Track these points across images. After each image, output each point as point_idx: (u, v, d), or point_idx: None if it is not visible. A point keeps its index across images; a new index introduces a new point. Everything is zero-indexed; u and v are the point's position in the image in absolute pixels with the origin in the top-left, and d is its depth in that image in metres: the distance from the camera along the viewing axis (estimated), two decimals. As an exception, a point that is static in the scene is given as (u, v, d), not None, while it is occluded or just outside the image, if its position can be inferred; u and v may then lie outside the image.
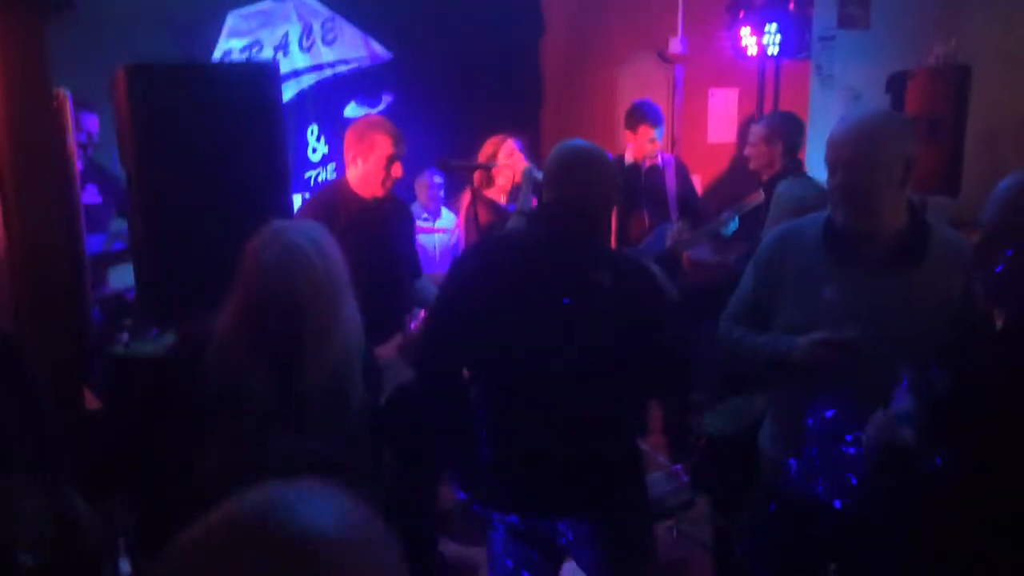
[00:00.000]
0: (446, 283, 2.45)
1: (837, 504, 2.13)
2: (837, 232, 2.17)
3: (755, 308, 2.30)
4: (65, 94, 2.61)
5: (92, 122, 3.73)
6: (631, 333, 2.17)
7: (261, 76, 2.32)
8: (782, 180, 3.54)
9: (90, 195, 3.63)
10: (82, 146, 3.56)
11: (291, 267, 1.87)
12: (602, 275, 2.18)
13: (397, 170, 3.25)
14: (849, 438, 2.04)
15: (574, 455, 2.22)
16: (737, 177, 5.61)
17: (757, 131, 4.15)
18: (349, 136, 3.27)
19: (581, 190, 2.30)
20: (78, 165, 3.07)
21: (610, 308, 2.18)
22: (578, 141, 2.49)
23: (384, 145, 3.20)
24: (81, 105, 3.33)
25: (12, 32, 1.88)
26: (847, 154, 2.09)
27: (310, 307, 1.87)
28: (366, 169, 3.23)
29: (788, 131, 4.12)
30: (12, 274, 2.34)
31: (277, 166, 2.34)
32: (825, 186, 2.39)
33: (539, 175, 4.28)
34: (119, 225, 3.72)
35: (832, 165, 2.14)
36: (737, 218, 4.42)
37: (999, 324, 1.71)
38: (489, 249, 2.56)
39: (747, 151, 4.26)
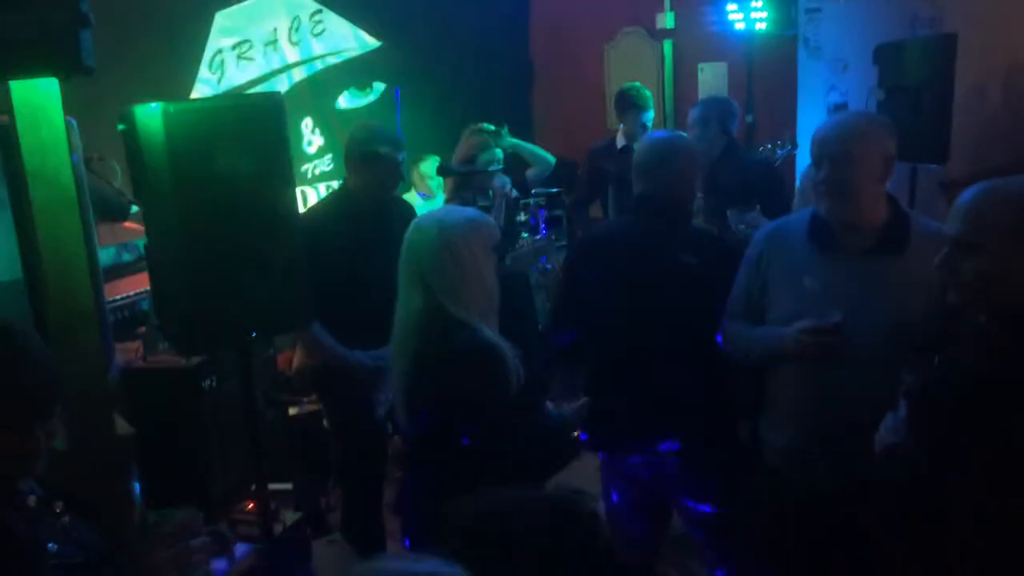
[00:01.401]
0: (563, 271, 3.23)
1: (841, 488, 2.24)
2: (822, 224, 2.30)
3: (749, 305, 2.43)
4: (70, 121, 2.67)
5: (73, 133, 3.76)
6: (714, 302, 2.53)
7: (267, 107, 2.39)
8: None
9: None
10: (87, 161, 3.61)
11: None
12: (690, 257, 2.60)
13: (400, 177, 3.34)
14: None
15: (670, 400, 2.60)
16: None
17: (693, 114, 4.14)
18: (352, 146, 3.31)
19: (669, 180, 2.68)
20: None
21: (697, 284, 2.56)
22: (661, 134, 3.03)
23: (388, 157, 3.26)
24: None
25: (30, 87, 1.94)
26: (831, 150, 2.24)
27: None
28: (369, 178, 3.29)
29: (720, 112, 4.11)
30: (35, 298, 2.42)
31: (287, 193, 2.42)
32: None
33: (513, 192, 4.36)
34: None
35: (817, 159, 2.28)
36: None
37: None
38: (596, 240, 3.05)
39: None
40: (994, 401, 1.63)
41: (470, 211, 2.46)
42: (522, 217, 4.80)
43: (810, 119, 5.18)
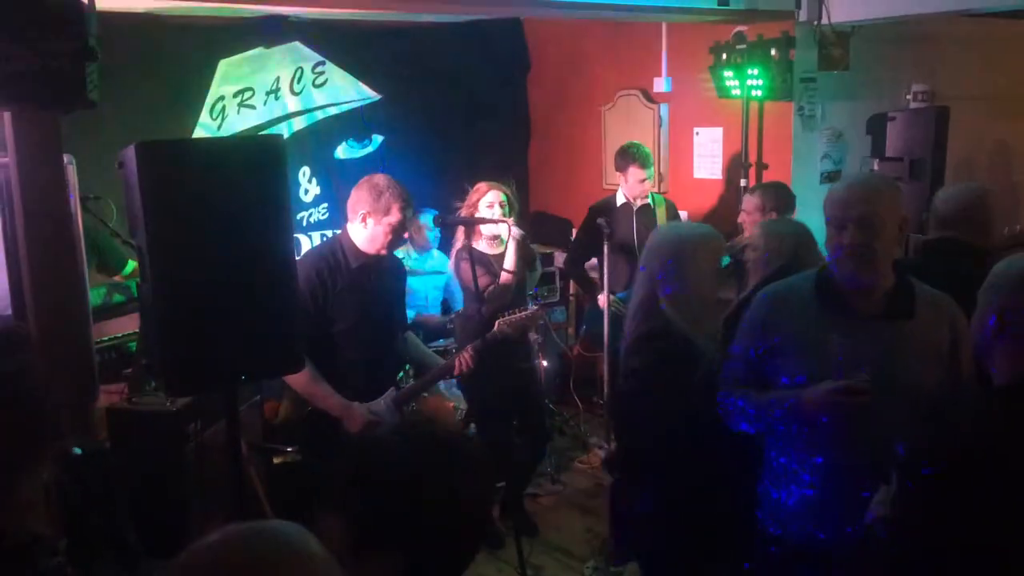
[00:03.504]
0: None
1: (837, 547, 2.21)
2: (834, 288, 2.26)
3: (751, 370, 2.37)
4: (69, 160, 2.67)
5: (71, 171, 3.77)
6: None
7: (267, 149, 2.39)
8: None
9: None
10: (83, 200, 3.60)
11: None
12: None
13: (403, 236, 3.35)
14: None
15: None
16: (722, 212, 5.72)
17: (751, 201, 4.09)
18: (362, 195, 3.27)
19: None
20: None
21: None
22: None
23: (397, 212, 3.24)
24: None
25: (30, 122, 1.94)
26: (857, 212, 2.17)
27: None
28: (374, 231, 3.27)
29: (779, 203, 4.08)
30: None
31: (284, 237, 2.40)
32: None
33: (530, 246, 4.37)
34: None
35: (840, 222, 2.20)
36: (727, 257, 4.51)
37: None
38: None
39: (741, 218, 4.15)
40: (978, 470, 1.61)
41: (706, 227, 2.74)
42: (538, 267, 4.76)
43: (804, 185, 5.23)
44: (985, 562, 1.60)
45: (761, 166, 5.40)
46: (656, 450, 2.65)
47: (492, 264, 4.21)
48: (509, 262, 4.14)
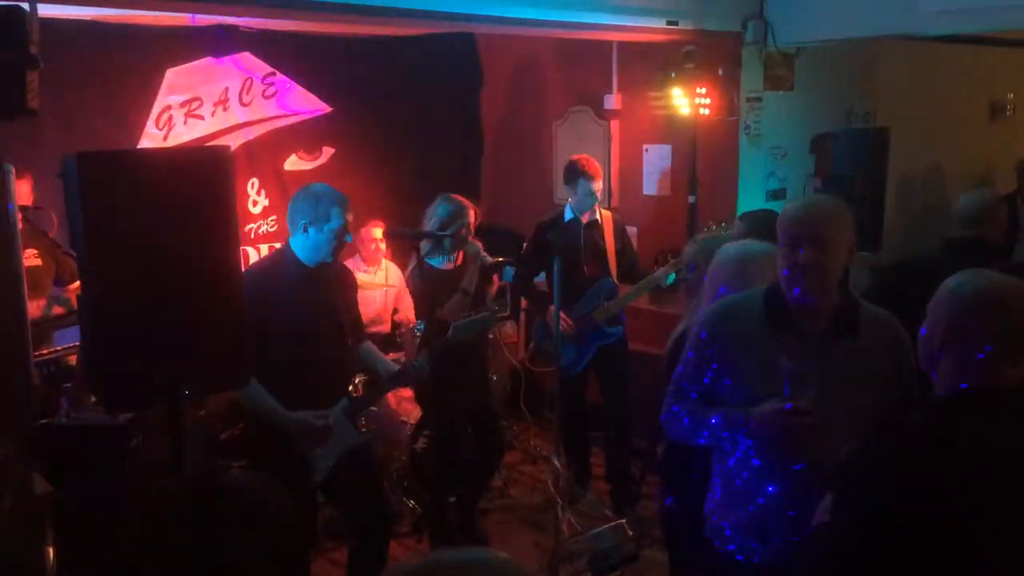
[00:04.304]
0: None
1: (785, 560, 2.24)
2: (780, 305, 2.29)
3: (699, 383, 2.39)
4: (8, 169, 2.60)
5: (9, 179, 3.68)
6: None
7: (214, 161, 2.35)
8: None
9: (29, 259, 3.58)
10: (23, 209, 3.52)
11: None
12: None
13: (345, 239, 3.30)
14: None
15: None
16: (670, 228, 5.79)
17: (738, 228, 4.06)
18: (299, 206, 3.26)
19: None
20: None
21: None
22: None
23: (337, 217, 3.23)
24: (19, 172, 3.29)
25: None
26: (812, 232, 2.21)
27: None
28: (316, 239, 3.25)
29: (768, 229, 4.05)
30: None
31: (228, 249, 2.36)
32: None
33: (485, 259, 4.40)
34: (57, 291, 3.67)
35: (793, 241, 2.23)
36: (673, 274, 4.58)
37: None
38: None
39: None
40: (915, 476, 1.66)
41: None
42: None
43: (749, 203, 5.33)
44: (923, 565, 1.64)
45: (694, 183, 5.48)
46: None
47: (448, 280, 4.22)
48: (470, 284, 4.17)
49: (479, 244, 4.46)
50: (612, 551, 3.73)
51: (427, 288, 4.03)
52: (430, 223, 4.20)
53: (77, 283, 3.95)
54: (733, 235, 4.02)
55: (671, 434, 2.47)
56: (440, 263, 4.30)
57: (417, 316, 4.44)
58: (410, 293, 4.54)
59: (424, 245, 4.19)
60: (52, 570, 2.44)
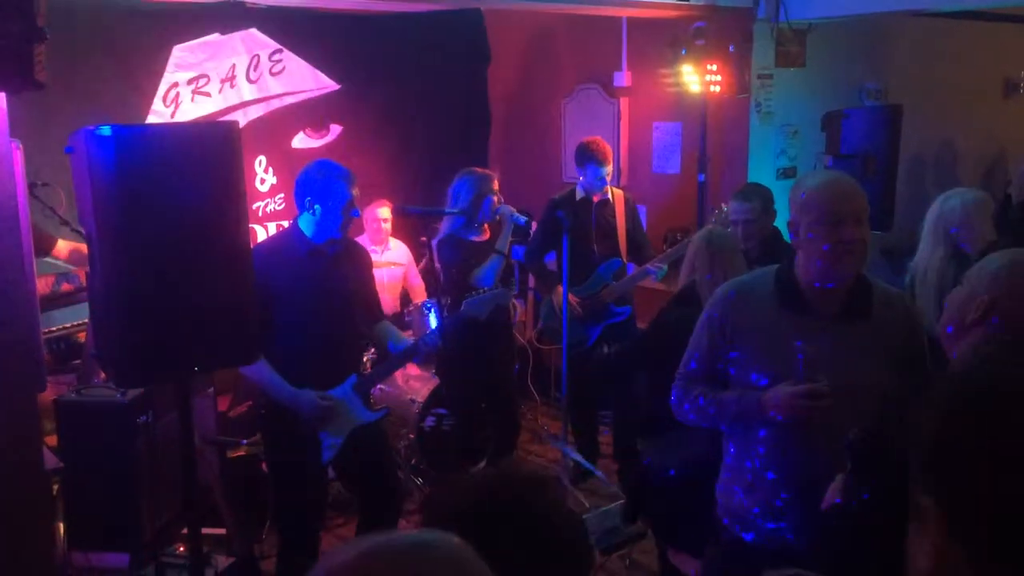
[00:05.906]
0: None
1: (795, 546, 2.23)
2: (793, 287, 2.26)
3: (711, 366, 2.37)
4: (17, 145, 2.59)
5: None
6: None
7: (222, 137, 2.33)
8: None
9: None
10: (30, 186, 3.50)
11: None
12: None
13: (354, 214, 3.28)
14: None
15: None
16: (680, 207, 5.76)
17: (755, 208, 3.92)
18: (304, 183, 3.24)
19: None
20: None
21: None
22: None
23: (342, 192, 3.21)
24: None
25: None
26: (860, 208, 2.17)
27: None
28: (323, 216, 3.23)
29: (770, 196, 4.04)
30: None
31: (238, 225, 2.35)
32: None
33: (519, 218, 4.40)
34: (66, 267, 3.66)
35: (836, 218, 2.15)
36: (666, 267, 4.63)
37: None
38: None
39: (751, 228, 3.92)
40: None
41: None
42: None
43: (760, 181, 5.29)
44: None
45: (704, 161, 5.46)
46: None
47: (480, 251, 4.35)
48: (503, 244, 4.34)
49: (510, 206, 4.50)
50: (620, 529, 3.72)
51: (462, 260, 4.08)
52: (458, 201, 4.31)
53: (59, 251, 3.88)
54: (752, 215, 3.97)
55: (680, 417, 2.45)
56: (473, 235, 4.42)
57: (447, 290, 4.37)
58: (432, 270, 4.56)
59: (452, 220, 4.30)
60: (62, 544, 2.46)
